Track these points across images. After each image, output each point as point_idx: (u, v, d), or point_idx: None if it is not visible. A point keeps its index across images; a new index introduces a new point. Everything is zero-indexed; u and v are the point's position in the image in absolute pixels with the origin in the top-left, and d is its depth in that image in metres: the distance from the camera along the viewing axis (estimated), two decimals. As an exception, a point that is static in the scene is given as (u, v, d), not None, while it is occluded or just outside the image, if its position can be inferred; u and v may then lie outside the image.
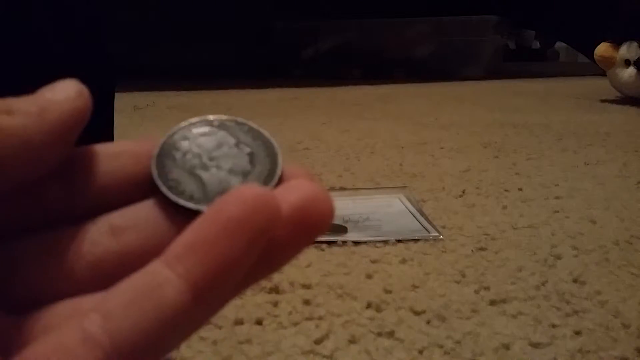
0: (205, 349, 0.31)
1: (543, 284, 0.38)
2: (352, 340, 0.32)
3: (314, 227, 0.15)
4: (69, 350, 0.13)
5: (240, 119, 0.18)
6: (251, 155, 0.17)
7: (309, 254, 0.43)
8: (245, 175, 0.17)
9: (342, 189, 0.62)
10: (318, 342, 0.31)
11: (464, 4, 1.84)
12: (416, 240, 0.46)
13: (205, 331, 0.33)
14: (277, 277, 0.39)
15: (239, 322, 0.34)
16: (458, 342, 0.31)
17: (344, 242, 0.45)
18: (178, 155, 0.17)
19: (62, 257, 0.15)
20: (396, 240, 0.46)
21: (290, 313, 0.34)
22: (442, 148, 0.81)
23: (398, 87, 1.63)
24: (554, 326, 0.33)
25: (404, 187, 0.60)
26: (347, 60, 1.92)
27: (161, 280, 0.14)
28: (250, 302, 0.36)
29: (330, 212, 0.15)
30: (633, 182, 0.62)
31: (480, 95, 1.45)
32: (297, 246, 0.15)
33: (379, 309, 0.35)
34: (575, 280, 0.39)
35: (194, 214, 0.15)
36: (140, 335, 0.13)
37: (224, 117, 0.18)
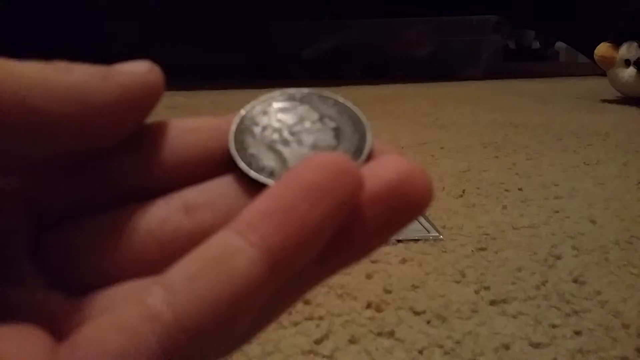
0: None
1: (543, 284, 0.38)
2: (352, 340, 0.32)
3: (410, 206, 0.14)
4: (128, 327, 0.12)
5: (325, 93, 0.17)
6: (336, 130, 0.16)
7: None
8: (330, 150, 0.15)
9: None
10: (318, 342, 0.31)
11: (464, 4, 1.84)
12: (416, 240, 0.46)
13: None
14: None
15: (239, 322, 0.34)
16: (458, 342, 0.31)
17: (344, 242, 0.45)
18: (257, 130, 0.16)
19: (130, 235, 0.14)
20: (396, 240, 0.46)
21: (290, 313, 0.34)
22: (442, 148, 0.81)
23: (398, 87, 1.63)
24: (554, 326, 0.33)
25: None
26: (348, 60, 1.92)
27: (233, 249, 0.12)
28: (250, 302, 0.36)
29: (428, 191, 0.14)
30: (633, 182, 0.62)
31: (480, 95, 1.45)
32: (389, 229, 0.14)
33: (379, 309, 0.35)
34: (575, 280, 0.39)
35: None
36: (208, 310, 0.12)
37: (306, 90, 0.17)
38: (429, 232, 0.48)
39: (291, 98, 0.17)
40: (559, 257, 0.42)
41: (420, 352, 0.30)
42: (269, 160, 0.15)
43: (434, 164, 0.72)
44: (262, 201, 0.13)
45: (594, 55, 1.26)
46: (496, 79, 1.81)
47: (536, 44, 3.04)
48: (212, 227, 0.14)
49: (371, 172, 0.14)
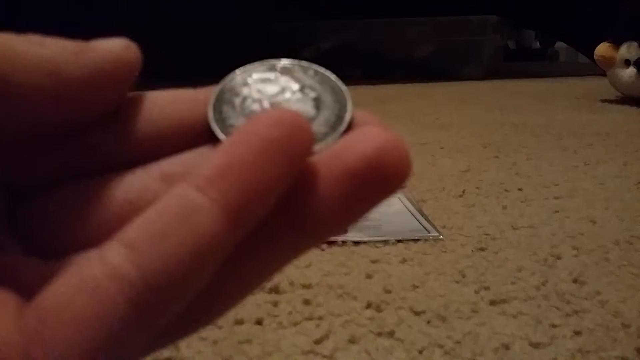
0: (205, 349, 0.31)
1: (543, 284, 0.38)
2: (352, 340, 0.32)
3: (387, 181, 0.14)
4: (93, 287, 0.12)
5: (305, 63, 0.17)
6: (317, 100, 0.16)
7: (309, 254, 0.43)
8: (310, 120, 0.15)
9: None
10: (318, 342, 0.31)
11: (464, 4, 1.84)
12: (416, 240, 0.46)
13: (205, 331, 0.33)
14: (277, 277, 0.39)
15: (239, 322, 0.34)
16: (458, 342, 0.31)
17: (344, 242, 0.45)
18: (237, 100, 0.16)
19: (108, 204, 0.15)
20: (396, 240, 0.46)
21: (290, 313, 0.34)
22: (442, 148, 0.81)
23: (398, 87, 1.63)
24: (554, 326, 0.33)
25: (404, 187, 0.60)
26: (348, 60, 1.92)
27: (194, 205, 0.12)
28: (250, 302, 0.36)
29: (407, 163, 0.14)
30: (633, 182, 0.62)
31: (480, 95, 1.45)
32: (365, 204, 0.14)
33: (379, 309, 0.35)
34: (575, 280, 0.39)
35: None
36: (173, 267, 0.12)
37: (286, 60, 0.17)
38: (429, 232, 0.47)
39: (272, 68, 0.17)
40: (559, 257, 0.42)
41: (420, 352, 0.30)
42: None
43: (434, 164, 0.72)
44: (220, 156, 0.13)
45: (594, 55, 1.26)
46: (496, 79, 1.81)
47: (536, 44, 3.04)
48: None
49: (348, 145, 0.14)
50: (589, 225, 0.49)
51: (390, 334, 0.32)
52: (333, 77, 0.17)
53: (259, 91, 0.16)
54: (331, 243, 0.45)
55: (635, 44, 1.18)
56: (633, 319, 0.33)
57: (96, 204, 0.15)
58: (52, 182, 0.15)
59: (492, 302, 0.36)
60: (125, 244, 0.12)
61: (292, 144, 0.13)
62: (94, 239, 0.14)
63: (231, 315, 0.34)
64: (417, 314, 0.34)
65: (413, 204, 0.54)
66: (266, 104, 0.16)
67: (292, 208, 0.14)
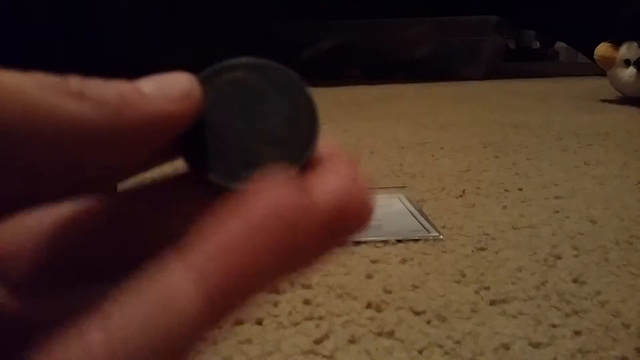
0: (205, 349, 0.31)
1: (543, 284, 0.38)
2: (352, 340, 0.32)
3: (346, 232, 0.13)
4: None
5: (290, 71, 0.16)
6: (290, 118, 0.15)
7: (309, 254, 0.43)
8: (278, 143, 0.15)
9: (342, 189, 0.62)
10: (318, 342, 0.31)
11: (464, 4, 1.84)
12: (416, 240, 0.46)
13: (205, 331, 0.33)
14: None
15: (239, 322, 0.34)
16: (458, 342, 0.31)
17: (344, 242, 0.45)
18: (205, 107, 0.15)
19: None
20: (396, 240, 0.46)
21: (290, 313, 0.34)
22: (442, 148, 0.81)
23: (398, 87, 1.63)
24: (554, 326, 0.33)
25: (404, 187, 0.60)
26: (347, 60, 1.92)
27: (177, 290, 0.12)
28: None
29: (367, 216, 0.13)
30: (633, 182, 0.62)
31: (480, 95, 1.45)
32: (322, 251, 0.13)
33: (379, 309, 0.35)
34: (575, 280, 0.39)
35: (217, 187, 0.14)
36: (147, 353, 0.12)
37: (271, 64, 0.16)
38: (429, 232, 0.47)
39: (253, 69, 0.16)
40: (559, 257, 0.42)
41: (420, 352, 0.30)
42: (210, 141, 0.14)
43: (434, 164, 0.72)
44: (210, 237, 0.12)
45: (594, 55, 1.26)
46: (496, 79, 1.81)
47: (536, 44, 3.04)
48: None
49: (315, 191, 0.13)
50: (589, 225, 0.49)
51: (390, 334, 0.32)
52: (308, 89, 0.16)
53: (233, 94, 0.15)
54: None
55: (635, 44, 1.18)
56: (633, 319, 0.33)
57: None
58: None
59: (492, 302, 0.36)
60: (106, 331, 0.12)
61: (284, 230, 0.12)
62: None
63: (231, 315, 0.34)
64: (417, 314, 0.34)
65: (413, 204, 0.54)
66: (237, 112, 0.15)
67: None
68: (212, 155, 0.14)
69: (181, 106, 0.13)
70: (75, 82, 0.12)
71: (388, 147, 0.82)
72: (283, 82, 0.16)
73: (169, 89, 0.13)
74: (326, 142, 0.15)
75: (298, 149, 0.15)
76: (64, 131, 0.12)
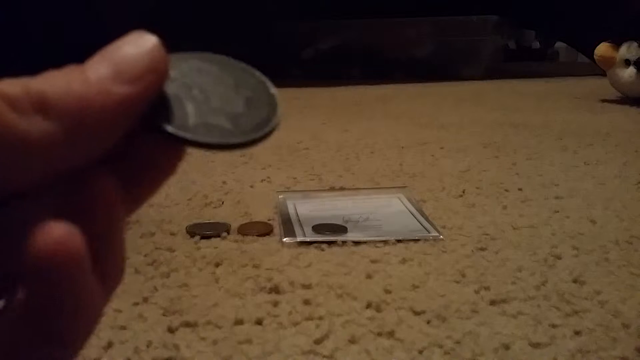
0: (205, 349, 0.31)
1: (543, 284, 0.38)
2: (352, 340, 0.32)
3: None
4: None
5: (246, 65, 0.17)
6: (249, 100, 0.16)
7: (309, 254, 0.43)
8: (236, 116, 0.16)
9: (342, 189, 0.62)
10: (318, 342, 0.31)
11: (464, 4, 1.84)
12: (416, 240, 0.46)
13: (206, 331, 0.33)
14: (277, 277, 0.39)
15: (239, 322, 0.34)
16: (458, 342, 0.31)
17: (344, 242, 0.45)
18: (166, 81, 0.15)
19: None
20: (396, 240, 0.46)
21: (290, 313, 0.34)
22: (442, 148, 0.81)
23: (398, 87, 1.63)
24: (554, 326, 0.33)
25: (404, 187, 0.60)
26: (347, 60, 1.91)
27: None
28: (250, 302, 0.36)
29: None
30: (633, 182, 0.62)
31: (480, 95, 1.45)
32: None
33: (379, 309, 0.35)
34: (575, 280, 0.39)
35: (171, 137, 0.15)
36: None
37: (230, 59, 0.17)
38: (429, 232, 0.47)
39: (211, 61, 0.17)
40: (559, 257, 0.42)
41: (420, 352, 0.30)
42: (173, 107, 0.15)
43: (434, 164, 0.72)
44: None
45: (594, 55, 1.26)
46: (496, 79, 1.81)
47: (536, 44, 3.04)
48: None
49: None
50: (589, 225, 0.49)
51: (390, 334, 0.32)
52: (269, 83, 0.17)
53: (192, 79, 0.16)
54: (331, 243, 0.45)
55: (635, 44, 1.18)
56: (633, 319, 0.33)
57: None
58: None
59: (492, 302, 0.36)
60: None
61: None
62: None
63: (231, 315, 0.34)
64: (417, 314, 0.34)
65: (413, 204, 0.54)
66: (195, 92, 0.16)
67: None
68: (171, 113, 0.15)
69: (144, 84, 0.14)
70: (35, 92, 0.12)
71: (388, 147, 0.82)
72: (243, 74, 0.17)
73: (128, 69, 0.14)
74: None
75: (255, 122, 0.16)
76: (27, 147, 0.12)
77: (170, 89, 0.16)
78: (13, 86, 0.13)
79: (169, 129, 0.15)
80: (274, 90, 0.17)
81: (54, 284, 0.13)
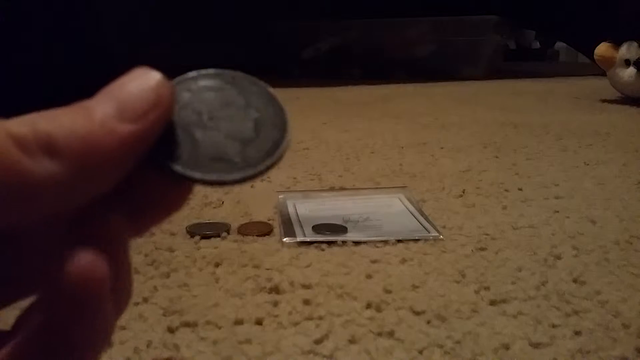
0: (205, 349, 0.31)
1: (543, 284, 0.38)
2: (352, 340, 0.32)
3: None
4: None
5: (256, 79, 0.17)
6: (257, 122, 0.16)
7: (309, 254, 0.43)
8: (244, 143, 0.15)
9: (342, 189, 0.62)
10: (318, 342, 0.31)
11: (464, 4, 1.84)
12: (416, 240, 0.46)
13: (205, 331, 0.33)
14: (277, 277, 0.39)
15: (239, 322, 0.34)
16: (458, 342, 0.31)
17: (344, 242, 0.45)
18: (176, 107, 0.15)
19: None
20: (396, 240, 0.46)
21: (290, 313, 0.34)
22: (442, 148, 0.81)
23: (398, 87, 1.63)
24: (554, 326, 0.33)
25: (404, 187, 0.60)
26: (347, 60, 1.91)
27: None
28: (250, 302, 0.36)
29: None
30: (633, 182, 0.62)
31: (480, 95, 1.45)
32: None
33: (379, 309, 0.35)
34: (575, 280, 0.39)
35: (179, 176, 0.14)
36: None
37: (239, 73, 0.17)
38: (429, 232, 0.47)
39: (221, 78, 0.16)
40: (559, 257, 0.42)
41: (420, 352, 0.30)
42: (181, 143, 0.15)
43: (434, 164, 0.72)
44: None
45: (594, 55, 1.26)
46: (496, 79, 1.81)
47: (536, 44, 3.04)
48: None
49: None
50: (589, 225, 0.49)
51: (390, 334, 0.32)
52: (279, 100, 0.17)
53: (201, 101, 0.16)
54: (331, 243, 0.45)
55: (635, 44, 1.18)
56: (633, 319, 0.33)
57: None
58: None
59: (492, 302, 0.36)
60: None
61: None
62: None
63: (231, 315, 0.34)
64: (417, 314, 0.34)
65: (413, 204, 0.54)
66: (205, 118, 0.16)
67: None
68: (179, 149, 0.15)
69: (149, 122, 0.14)
70: (43, 133, 0.13)
71: (388, 147, 0.82)
72: (252, 90, 0.17)
73: (132, 106, 0.14)
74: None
75: (264, 149, 0.15)
76: (32, 187, 0.13)
77: (180, 117, 0.15)
78: (21, 126, 0.13)
79: (177, 168, 0.15)
80: (283, 107, 0.16)
81: (79, 307, 0.14)
